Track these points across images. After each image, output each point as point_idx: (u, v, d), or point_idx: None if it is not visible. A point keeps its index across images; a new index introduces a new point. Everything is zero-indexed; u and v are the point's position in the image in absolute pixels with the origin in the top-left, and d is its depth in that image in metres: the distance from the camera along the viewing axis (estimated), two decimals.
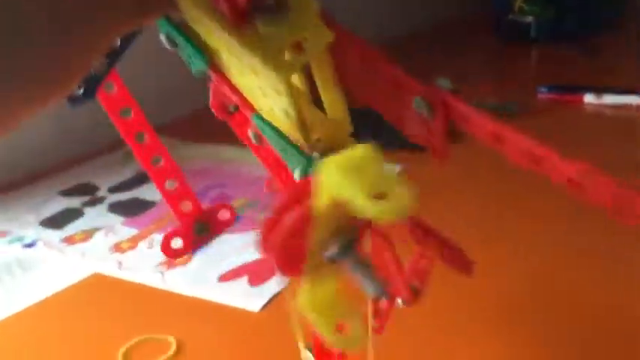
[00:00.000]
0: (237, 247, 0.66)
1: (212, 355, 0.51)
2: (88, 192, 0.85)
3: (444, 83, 0.29)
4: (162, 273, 0.63)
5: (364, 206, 0.21)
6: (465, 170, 0.78)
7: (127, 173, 0.88)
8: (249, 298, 0.57)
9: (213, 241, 0.68)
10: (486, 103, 0.94)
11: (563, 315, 0.51)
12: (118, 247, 0.69)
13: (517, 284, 0.55)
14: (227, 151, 0.90)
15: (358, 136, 0.95)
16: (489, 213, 0.68)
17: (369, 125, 1.00)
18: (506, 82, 1.08)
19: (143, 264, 0.65)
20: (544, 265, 0.58)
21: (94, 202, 0.82)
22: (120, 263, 0.66)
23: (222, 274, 0.62)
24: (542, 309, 0.52)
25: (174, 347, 0.52)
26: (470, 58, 1.26)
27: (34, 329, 0.58)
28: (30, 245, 0.73)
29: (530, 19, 1.29)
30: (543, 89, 0.99)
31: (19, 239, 0.75)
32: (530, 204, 0.68)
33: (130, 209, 0.78)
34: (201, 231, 0.53)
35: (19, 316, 0.59)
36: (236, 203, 0.76)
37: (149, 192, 0.81)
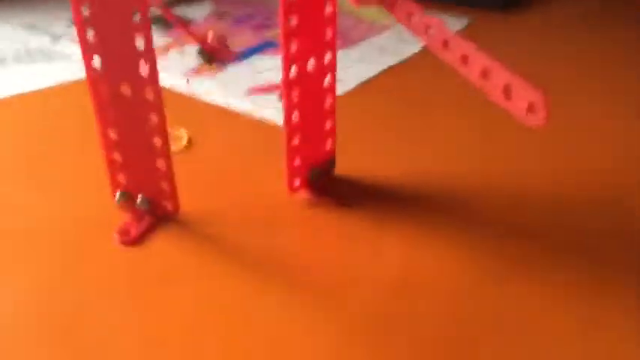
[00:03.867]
0: (270, 66, 0.60)
1: (221, 153, 0.46)
2: None
3: None
4: (188, 79, 0.58)
5: None
6: (528, 34, 0.70)
7: None
8: (278, 111, 0.51)
9: (246, 60, 0.62)
10: None
11: None
12: None
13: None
14: None
15: None
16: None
17: None
18: None
19: (170, 69, 0.60)
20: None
21: None
22: None
23: (252, 87, 0.56)
24: None
25: (185, 140, 0.47)
26: None
27: (51, 108, 0.53)
28: (56, 38, 0.68)
29: None
30: None
31: (48, 33, 0.70)
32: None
33: (168, 24, 0.72)
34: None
35: (38, 94, 0.55)
36: (273, 32, 0.69)
37: (193, 11, 0.76)
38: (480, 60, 0.27)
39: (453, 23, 0.71)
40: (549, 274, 0.33)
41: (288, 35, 0.34)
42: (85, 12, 0.32)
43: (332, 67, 0.38)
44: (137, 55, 0.32)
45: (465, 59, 0.28)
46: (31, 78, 0.58)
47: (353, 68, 0.59)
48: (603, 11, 0.78)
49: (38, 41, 0.67)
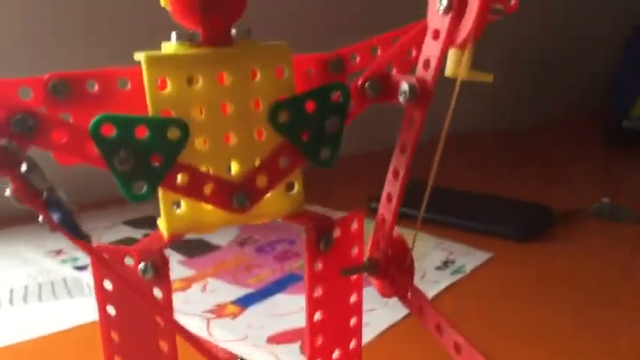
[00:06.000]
0: (293, 309, 0.59)
1: None
2: (152, 225, 0.81)
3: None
4: (208, 321, 0.57)
5: None
6: (550, 271, 0.69)
7: None
8: None
9: (267, 299, 0.62)
10: (601, 204, 0.86)
11: None
12: None
13: None
14: None
15: (456, 216, 0.85)
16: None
17: (466, 207, 0.92)
18: (620, 189, 0.98)
19: (191, 307, 0.59)
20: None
21: None
22: None
23: (272, 335, 0.55)
24: None
25: None
26: (578, 160, 1.18)
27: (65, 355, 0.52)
28: (81, 268, 0.69)
29: None
30: None
31: (73, 260, 0.71)
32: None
33: (192, 249, 0.73)
34: None
35: (51, 339, 0.54)
36: (296, 263, 0.69)
37: (217, 237, 0.77)
38: None
39: (479, 255, 0.71)
40: None
41: (314, 333, 0.34)
42: (112, 312, 0.32)
43: (357, 355, 0.36)
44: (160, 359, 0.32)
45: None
46: (50, 319, 0.58)
47: (378, 311, 0.58)
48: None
49: (62, 272, 0.68)
